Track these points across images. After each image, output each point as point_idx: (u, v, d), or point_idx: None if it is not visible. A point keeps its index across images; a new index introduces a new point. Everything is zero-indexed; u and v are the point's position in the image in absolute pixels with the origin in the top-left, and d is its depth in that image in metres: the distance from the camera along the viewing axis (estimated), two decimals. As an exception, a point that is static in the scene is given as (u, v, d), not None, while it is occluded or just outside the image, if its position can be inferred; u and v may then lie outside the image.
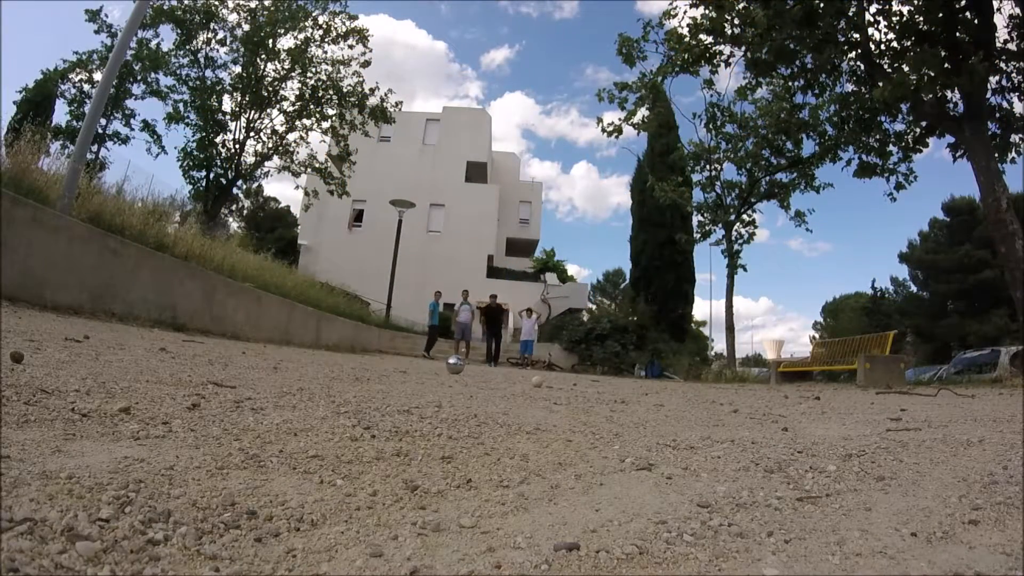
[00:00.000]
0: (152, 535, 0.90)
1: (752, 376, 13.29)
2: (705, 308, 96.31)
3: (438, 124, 26.66)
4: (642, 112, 13.11)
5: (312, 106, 16.86)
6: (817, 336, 39.51)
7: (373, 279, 19.25)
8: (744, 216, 16.61)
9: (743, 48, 11.82)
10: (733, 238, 16.18)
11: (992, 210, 9.06)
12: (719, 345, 27.81)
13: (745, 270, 16.32)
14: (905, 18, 10.61)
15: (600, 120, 13.74)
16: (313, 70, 16.69)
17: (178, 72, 15.95)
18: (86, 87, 15.98)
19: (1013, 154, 11.01)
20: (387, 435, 1.94)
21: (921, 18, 10.30)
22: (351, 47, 16.92)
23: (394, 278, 17.45)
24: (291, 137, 17.10)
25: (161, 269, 6.91)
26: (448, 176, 25.23)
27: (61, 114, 19.56)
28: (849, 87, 12.48)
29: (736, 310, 24.80)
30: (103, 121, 15.27)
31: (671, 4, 12.36)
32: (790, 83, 13.15)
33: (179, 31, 15.60)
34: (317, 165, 17.33)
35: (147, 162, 35.35)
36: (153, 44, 15.75)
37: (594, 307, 29.87)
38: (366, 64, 17.17)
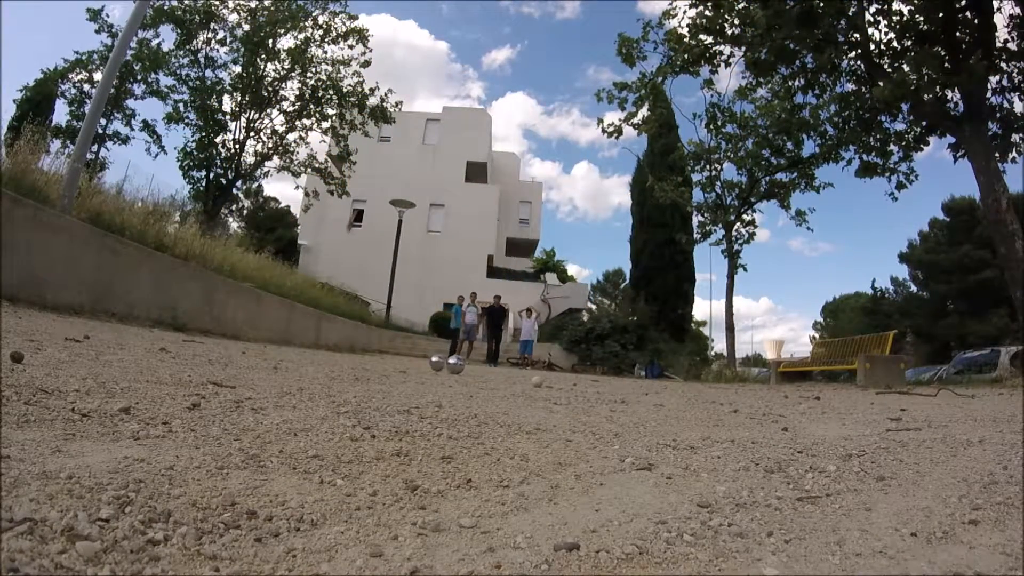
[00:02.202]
0: (152, 535, 0.90)
1: (752, 376, 13.30)
2: (705, 308, 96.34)
3: (438, 124, 26.66)
4: (642, 112, 13.13)
5: (312, 106, 16.85)
6: (817, 336, 39.51)
7: (373, 279, 19.25)
8: (744, 216, 16.63)
9: (743, 48, 11.82)
10: (733, 238, 16.19)
11: (992, 210, 9.07)
12: (719, 345, 27.83)
13: (745, 270, 16.36)
14: (905, 18, 10.62)
15: (600, 121, 13.77)
16: (313, 70, 16.68)
17: (178, 72, 15.96)
18: (86, 87, 15.99)
19: (1013, 154, 11.01)
20: (387, 435, 1.94)
21: (921, 18, 10.31)
22: (351, 47, 16.92)
23: (394, 278, 17.45)
24: (291, 137, 17.12)
25: (161, 269, 6.91)
26: (448, 176, 25.21)
27: (61, 114, 19.54)
28: (849, 87, 12.49)
29: (736, 310, 24.81)
30: (103, 121, 15.25)
31: (671, 4, 12.38)
32: (790, 83, 13.15)
33: (179, 31, 15.60)
34: (317, 165, 17.33)
35: (147, 162, 35.39)
36: (153, 44, 15.76)
37: (594, 307, 29.89)
38: (366, 64, 17.17)
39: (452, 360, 6.21)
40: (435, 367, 6.05)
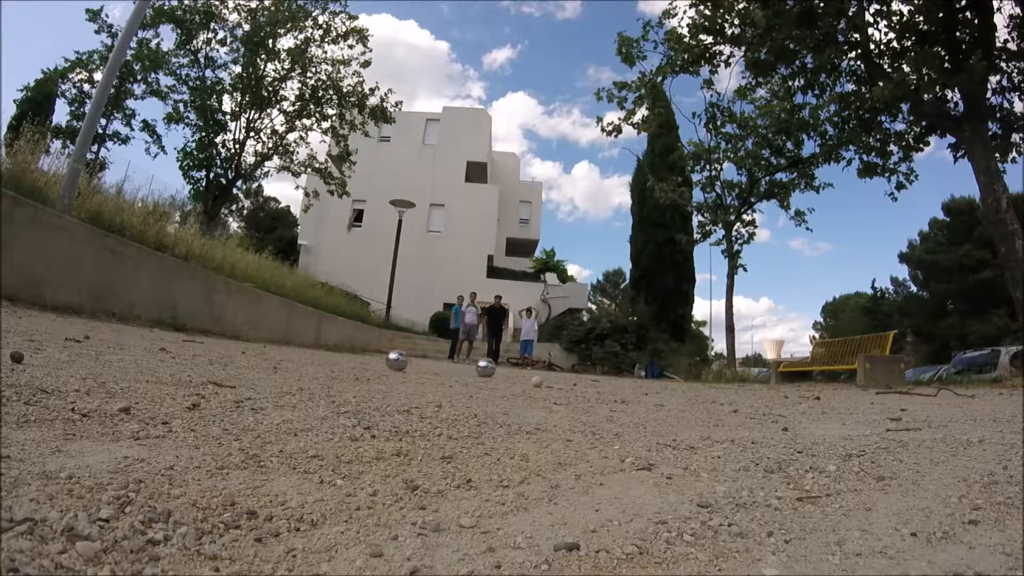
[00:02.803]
0: (152, 535, 0.90)
1: (752, 376, 13.29)
2: (705, 308, 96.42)
3: (438, 124, 26.65)
4: (641, 112, 13.14)
5: (312, 106, 16.86)
6: (817, 336, 39.49)
7: (373, 279, 19.26)
8: (744, 216, 16.60)
9: (743, 48, 11.82)
10: (733, 238, 16.16)
11: (992, 210, 9.07)
12: (719, 345, 27.79)
13: (745, 270, 16.31)
14: (905, 18, 10.62)
15: (600, 120, 13.79)
16: (313, 70, 16.70)
17: (178, 72, 15.96)
18: (86, 87, 15.99)
19: (1013, 154, 11.01)
20: (387, 435, 1.94)
21: (921, 18, 10.31)
22: (351, 47, 16.93)
23: (394, 278, 17.46)
24: (291, 137, 17.14)
25: (161, 269, 6.91)
26: (448, 176, 25.21)
27: (61, 114, 19.55)
28: (849, 87, 12.48)
29: (736, 310, 24.81)
30: (103, 121, 15.25)
31: (671, 4, 12.38)
32: (790, 83, 13.14)
33: (179, 31, 15.60)
34: (317, 165, 17.35)
35: (147, 162, 35.41)
36: (153, 44, 15.75)
37: (594, 307, 29.89)
38: (366, 64, 17.18)
39: (483, 363, 5.93)
40: (394, 366, 5.28)
